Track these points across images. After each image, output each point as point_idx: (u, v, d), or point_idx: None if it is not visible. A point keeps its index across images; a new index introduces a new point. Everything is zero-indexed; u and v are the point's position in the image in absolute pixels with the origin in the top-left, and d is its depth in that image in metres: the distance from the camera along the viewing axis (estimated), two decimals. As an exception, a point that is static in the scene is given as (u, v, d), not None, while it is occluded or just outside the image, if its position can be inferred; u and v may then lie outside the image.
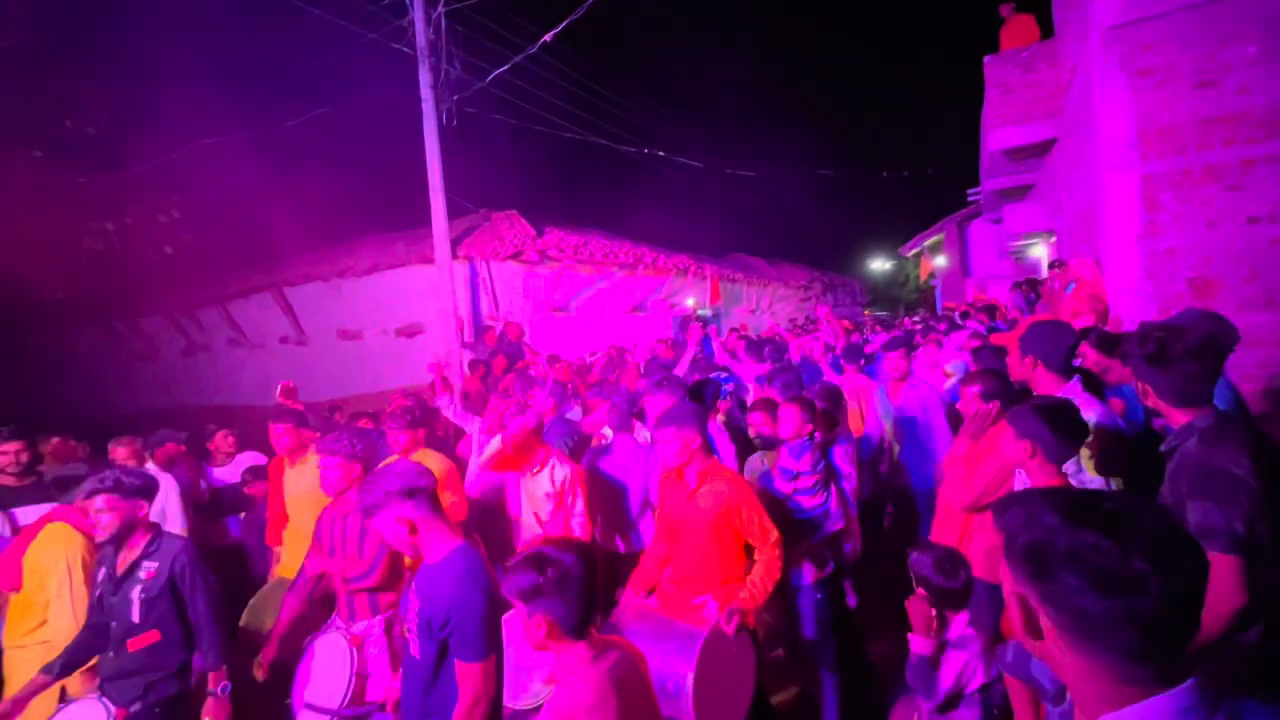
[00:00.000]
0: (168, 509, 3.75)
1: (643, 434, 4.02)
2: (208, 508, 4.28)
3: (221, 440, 4.76)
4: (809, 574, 2.91)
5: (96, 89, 10.52)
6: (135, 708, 2.34)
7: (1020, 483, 2.17)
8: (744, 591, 2.49)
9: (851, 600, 3.61)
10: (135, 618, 2.36)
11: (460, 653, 1.85)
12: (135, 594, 2.37)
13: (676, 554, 2.73)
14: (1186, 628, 0.76)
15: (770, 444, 3.29)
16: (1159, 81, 4.62)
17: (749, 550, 2.65)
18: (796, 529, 2.90)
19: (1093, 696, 0.79)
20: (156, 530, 2.52)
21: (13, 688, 2.62)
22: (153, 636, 2.38)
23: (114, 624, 2.38)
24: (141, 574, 2.40)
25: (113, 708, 2.28)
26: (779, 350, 5.61)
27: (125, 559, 2.42)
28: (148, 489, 2.46)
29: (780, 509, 2.97)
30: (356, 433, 2.98)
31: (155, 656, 2.40)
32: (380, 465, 3.76)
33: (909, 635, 2.05)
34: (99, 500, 2.36)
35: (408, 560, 2.89)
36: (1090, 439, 2.15)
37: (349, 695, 2.47)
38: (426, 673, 1.93)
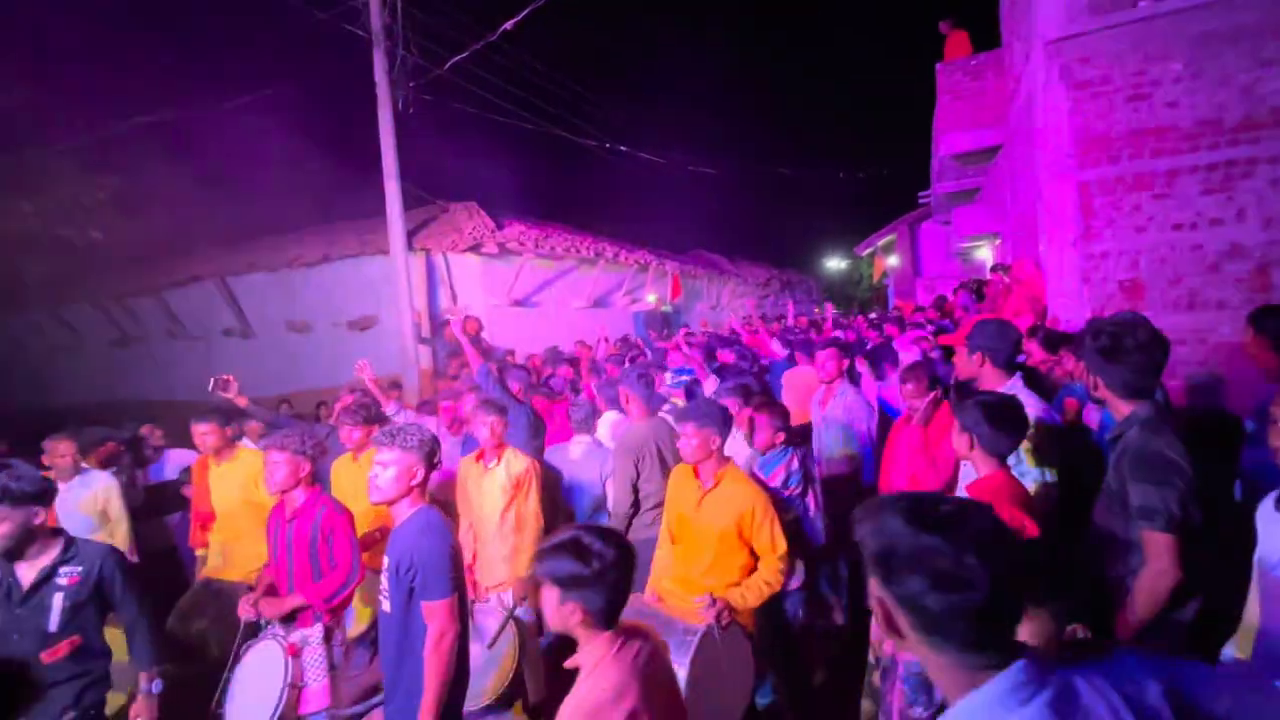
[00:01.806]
0: (110, 510, 3.56)
1: (602, 431, 4.02)
2: (143, 508, 4.07)
3: (148, 434, 4.54)
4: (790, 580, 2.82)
5: (13, 56, 9.79)
6: (69, 716, 2.23)
7: (966, 474, 2.26)
8: (738, 591, 2.45)
9: (839, 618, 3.51)
10: (52, 626, 2.24)
11: (425, 593, 2.05)
12: (55, 601, 2.25)
13: (680, 552, 2.66)
14: (1013, 615, 0.86)
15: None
16: (1095, 93, 4.87)
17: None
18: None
19: (949, 685, 0.87)
20: (65, 536, 2.38)
21: None
22: (74, 641, 2.28)
23: (20, 639, 2.22)
24: (62, 580, 2.28)
25: None
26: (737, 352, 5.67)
27: (31, 569, 2.26)
28: (43, 494, 2.28)
29: None
30: (305, 428, 2.88)
31: (82, 662, 2.30)
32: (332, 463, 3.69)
33: (892, 649, 2.04)
34: None
35: (365, 555, 2.84)
36: (1030, 432, 2.26)
37: (281, 707, 2.38)
38: (398, 622, 2.10)
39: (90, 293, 11.75)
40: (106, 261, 11.65)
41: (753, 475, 2.88)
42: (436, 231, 9.38)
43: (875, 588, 0.89)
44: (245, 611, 2.66)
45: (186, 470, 4.10)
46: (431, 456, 2.22)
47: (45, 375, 12.84)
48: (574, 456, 3.70)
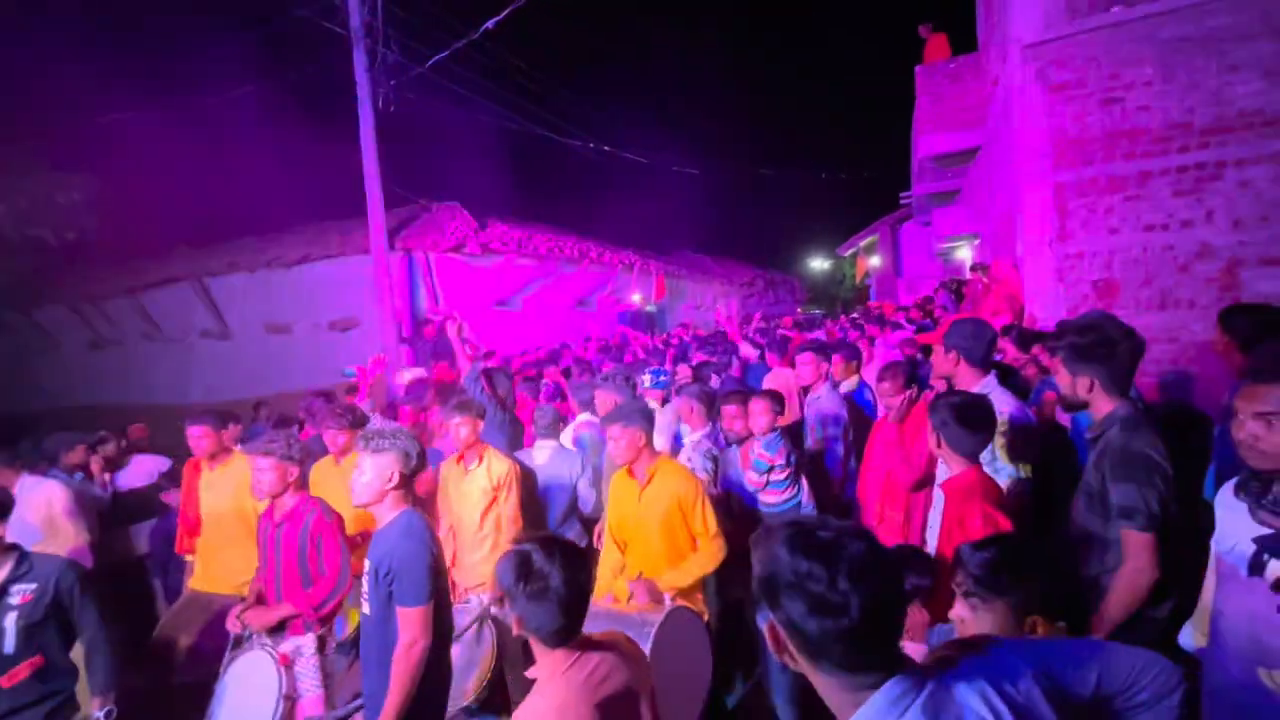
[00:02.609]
0: (56, 518, 3.39)
1: (566, 437, 3.98)
2: (108, 516, 3.95)
3: (138, 436, 4.43)
4: None
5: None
6: None
7: (941, 472, 2.29)
8: (673, 573, 2.51)
9: None
10: (8, 649, 2.13)
11: (400, 598, 2.02)
12: (8, 622, 2.13)
13: (632, 551, 2.71)
14: (888, 634, 0.89)
15: (741, 438, 3.27)
16: (1070, 97, 4.96)
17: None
18: (764, 522, 2.93)
19: (837, 706, 0.90)
20: (19, 551, 2.27)
21: None
22: (35, 662, 2.17)
23: None
24: (14, 599, 2.16)
25: None
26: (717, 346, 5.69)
27: None
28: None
29: (748, 503, 3.00)
30: (291, 433, 2.82)
31: (47, 683, 2.20)
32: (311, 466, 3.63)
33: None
34: None
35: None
36: (1004, 430, 2.29)
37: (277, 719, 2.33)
38: (378, 626, 2.09)
39: (65, 294, 11.50)
40: (81, 262, 11.41)
41: (752, 461, 3.01)
42: (418, 231, 9.30)
43: (765, 612, 0.92)
44: (232, 625, 2.59)
45: (166, 476, 3.99)
46: (410, 459, 2.17)
47: (19, 379, 12.53)
48: (540, 461, 3.65)
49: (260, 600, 2.68)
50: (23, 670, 2.15)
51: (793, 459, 3.05)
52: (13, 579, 2.18)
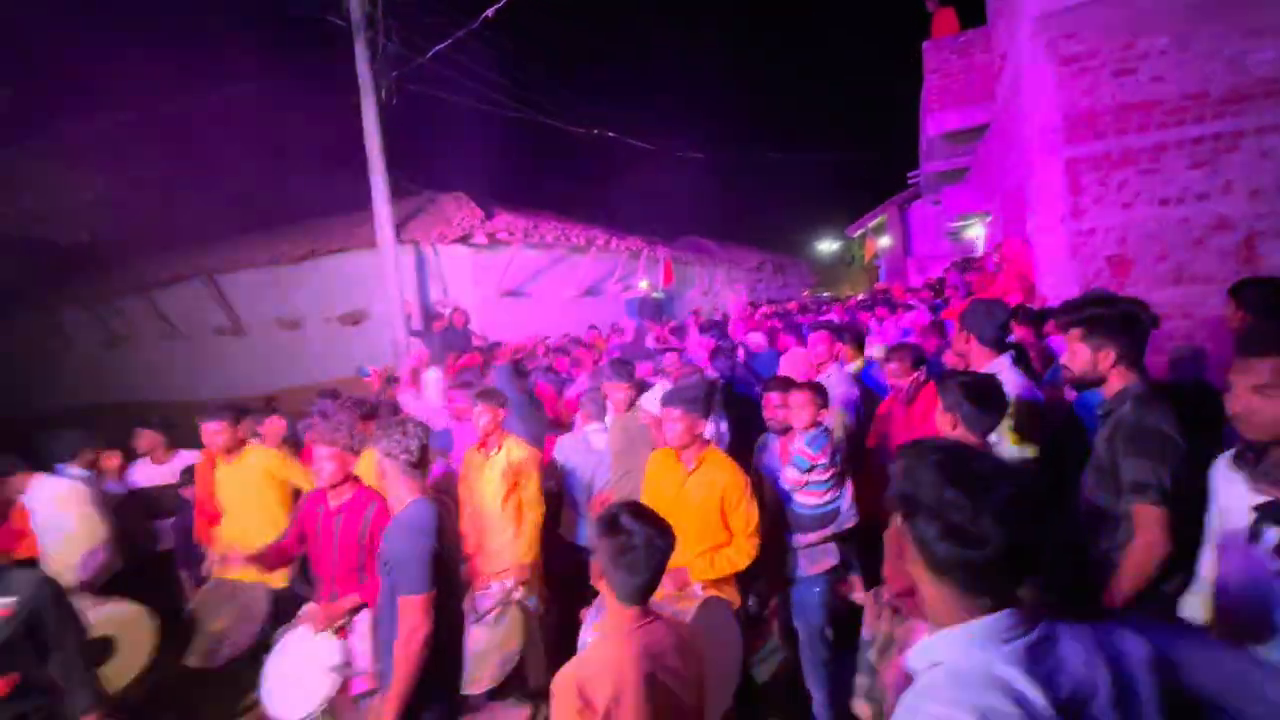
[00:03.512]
0: (72, 516, 3.37)
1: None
2: (129, 513, 4.01)
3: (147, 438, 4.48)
4: (815, 564, 2.79)
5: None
6: None
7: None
8: (701, 561, 2.50)
9: (858, 596, 3.51)
10: None
11: (401, 587, 2.06)
12: None
13: None
14: (1019, 574, 0.90)
15: (782, 428, 3.03)
16: (1082, 69, 4.85)
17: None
18: (800, 523, 2.81)
19: (940, 613, 0.94)
20: None
21: None
22: (12, 680, 2.07)
23: None
24: None
25: None
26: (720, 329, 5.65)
27: None
28: None
29: (779, 499, 2.86)
30: (352, 423, 2.76)
31: (29, 699, 2.10)
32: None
33: (890, 627, 2.04)
34: None
35: None
36: (1010, 410, 2.28)
37: (332, 689, 2.42)
38: (388, 612, 2.14)
39: (80, 294, 11.64)
40: (94, 262, 11.53)
41: (793, 457, 2.81)
42: (424, 222, 9.31)
43: (897, 520, 0.94)
44: (315, 624, 2.59)
45: (185, 471, 4.06)
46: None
47: (36, 379, 12.73)
48: (598, 446, 3.73)
49: (305, 578, 2.82)
50: (3, 685, 2.04)
51: (838, 458, 2.82)
52: None
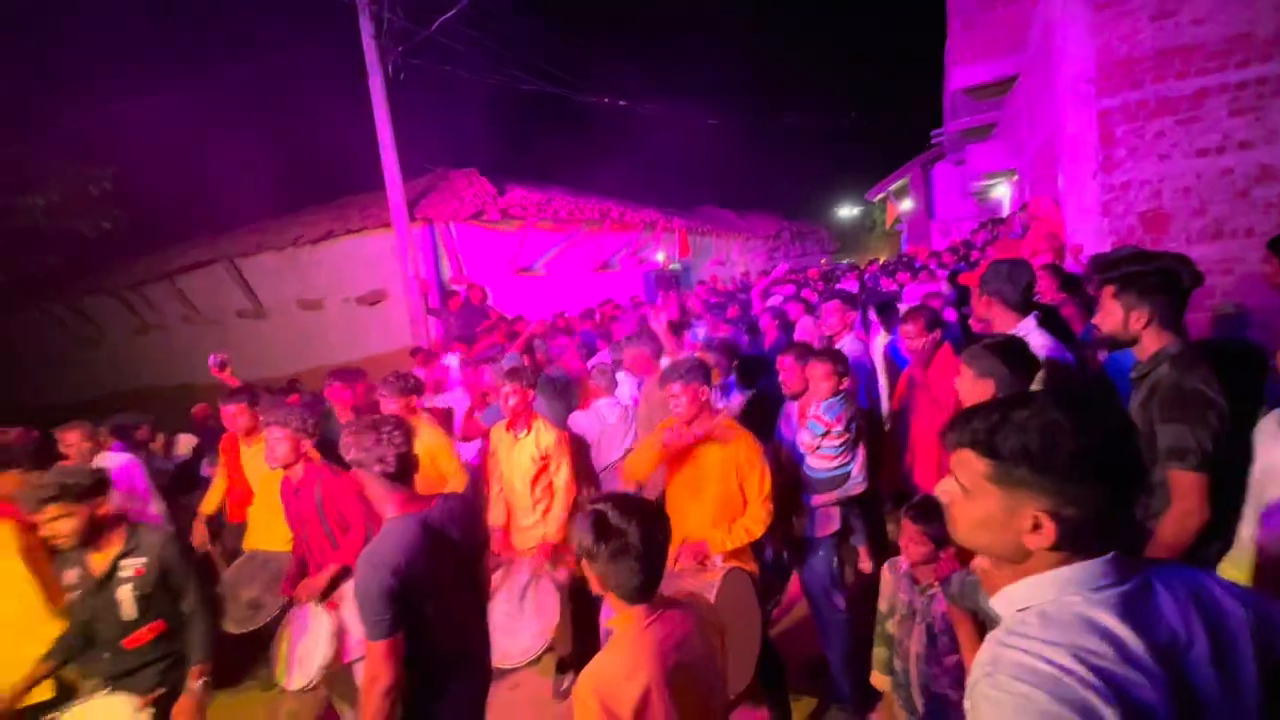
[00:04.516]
0: (138, 491, 3.66)
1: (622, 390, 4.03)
2: (172, 487, 4.19)
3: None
4: (823, 527, 2.83)
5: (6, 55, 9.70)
6: (160, 692, 2.29)
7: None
8: (718, 532, 2.50)
9: (865, 565, 3.54)
10: (129, 614, 2.27)
11: (365, 628, 1.82)
12: (125, 593, 2.26)
13: (674, 513, 2.63)
14: (1122, 519, 0.90)
15: (795, 393, 3.09)
16: (1117, 12, 4.58)
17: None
18: (811, 485, 2.86)
19: (1027, 561, 0.91)
20: (129, 524, 2.39)
21: None
22: (158, 627, 2.31)
23: (100, 625, 2.29)
24: (126, 573, 2.28)
25: (135, 698, 2.21)
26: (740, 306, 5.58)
27: (101, 558, 2.29)
28: (99, 484, 2.31)
29: (796, 464, 2.91)
30: (307, 406, 2.98)
31: (169, 643, 2.35)
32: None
33: (909, 597, 2.03)
34: (51, 510, 2.20)
35: None
36: (1040, 374, 2.21)
37: (328, 654, 2.54)
38: None
39: (106, 284, 11.90)
40: (119, 251, 11.74)
41: (809, 421, 2.83)
42: (437, 200, 9.27)
43: (977, 477, 0.91)
44: (300, 597, 2.75)
45: (214, 451, 4.20)
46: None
47: (71, 368, 13.14)
48: (609, 420, 3.75)
49: (301, 567, 2.87)
50: (145, 634, 2.29)
51: (853, 426, 2.82)
52: (124, 553, 2.30)
